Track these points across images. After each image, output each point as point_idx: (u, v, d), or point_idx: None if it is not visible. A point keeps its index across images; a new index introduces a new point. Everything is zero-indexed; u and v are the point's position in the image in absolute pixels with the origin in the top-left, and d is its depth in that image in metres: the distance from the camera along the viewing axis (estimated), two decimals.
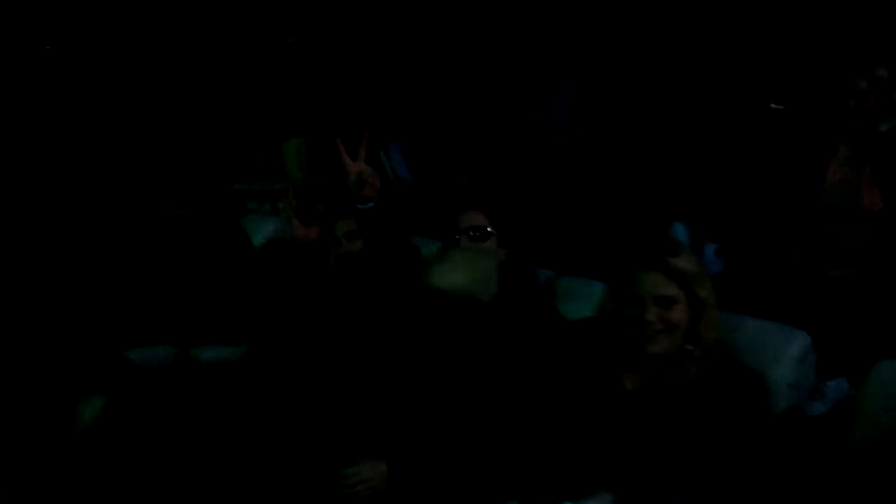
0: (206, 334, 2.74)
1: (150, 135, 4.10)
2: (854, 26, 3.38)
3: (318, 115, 4.45)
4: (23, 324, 2.69)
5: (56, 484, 2.38)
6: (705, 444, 1.71)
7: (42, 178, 3.87)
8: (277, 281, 2.76)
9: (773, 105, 3.46)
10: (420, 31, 4.41)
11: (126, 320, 2.72)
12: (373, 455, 2.01)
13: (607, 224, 3.31)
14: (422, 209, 3.57)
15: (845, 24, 3.42)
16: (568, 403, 1.85)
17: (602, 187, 3.53)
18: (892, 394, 1.77)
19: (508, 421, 1.93)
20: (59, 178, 3.86)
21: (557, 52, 3.84)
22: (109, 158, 3.89)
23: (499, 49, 4.10)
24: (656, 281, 1.74)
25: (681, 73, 3.74)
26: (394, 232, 2.33)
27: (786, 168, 2.83)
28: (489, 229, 2.36)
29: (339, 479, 1.98)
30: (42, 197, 3.74)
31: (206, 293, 2.82)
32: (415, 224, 2.75)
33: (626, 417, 1.80)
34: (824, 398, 2.04)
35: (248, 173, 4.34)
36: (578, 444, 1.81)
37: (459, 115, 4.16)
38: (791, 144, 2.90)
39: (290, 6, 4.55)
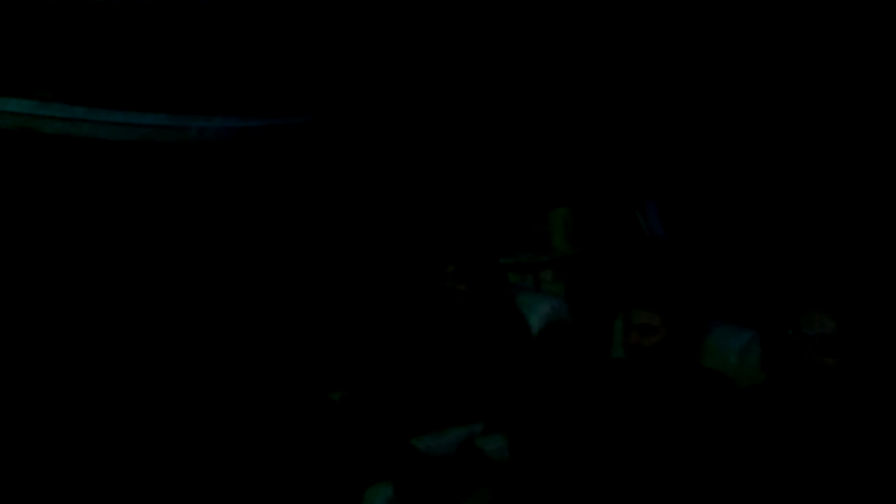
0: (488, 422, 2.67)
1: (424, 210, 4.10)
2: None
3: (583, 182, 4.31)
4: (316, 412, 2.76)
5: None
6: None
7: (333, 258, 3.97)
8: (557, 370, 2.65)
9: None
10: (674, 90, 4.21)
11: (412, 406, 2.72)
12: None
13: None
14: (682, 270, 3.36)
15: None
16: None
17: None
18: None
19: None
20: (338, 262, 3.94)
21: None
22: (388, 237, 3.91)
23: (752, 106, 3.81)
24: None
25: None
26: None
27: None
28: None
29: None
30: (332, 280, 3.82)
31: (486, 378, 2.76)
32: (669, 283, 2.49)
33: None
34: None
35: (511, 245, 4.26)
36: None
37: (718, 171, 3.91)
38: None
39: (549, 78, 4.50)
